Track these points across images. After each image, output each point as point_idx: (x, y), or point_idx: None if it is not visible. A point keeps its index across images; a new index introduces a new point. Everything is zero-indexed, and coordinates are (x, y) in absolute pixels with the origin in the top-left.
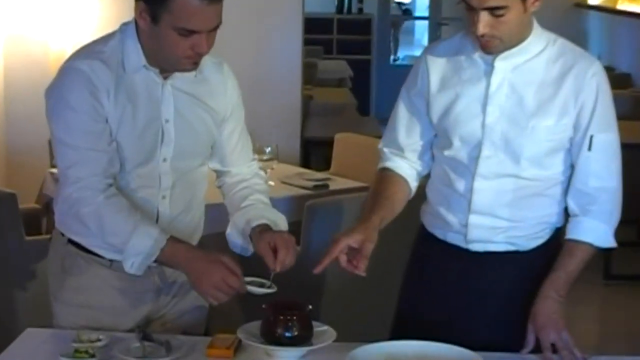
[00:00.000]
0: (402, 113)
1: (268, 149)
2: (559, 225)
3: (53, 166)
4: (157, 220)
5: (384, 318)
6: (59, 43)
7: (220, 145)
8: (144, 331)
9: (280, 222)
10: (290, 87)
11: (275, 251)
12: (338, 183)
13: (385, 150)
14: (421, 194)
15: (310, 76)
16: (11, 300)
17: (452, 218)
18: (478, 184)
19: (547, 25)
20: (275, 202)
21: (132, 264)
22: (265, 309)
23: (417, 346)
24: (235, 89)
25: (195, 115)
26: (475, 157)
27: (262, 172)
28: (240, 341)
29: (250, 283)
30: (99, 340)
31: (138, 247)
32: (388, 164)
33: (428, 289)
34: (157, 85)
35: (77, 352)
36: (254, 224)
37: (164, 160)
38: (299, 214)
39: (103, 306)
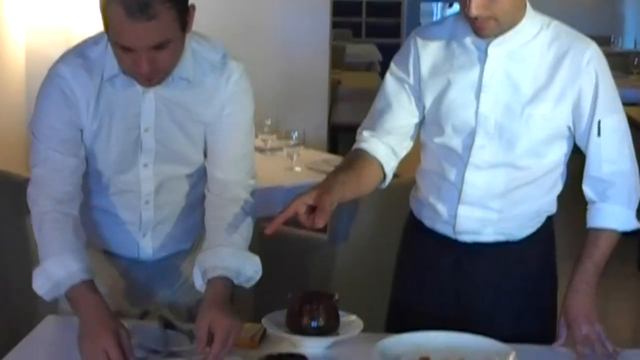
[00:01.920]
0: (386, 97)
1: (295, 135)
2: (550, 213)
3: None
4: (140, 224)
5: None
6: (81, 29)
7: (209, 153)
8: (166, 319)
9: (248, 267)
10: (317, 71)
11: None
12: None
13: (365, 133)
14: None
15: (338, 60)
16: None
17: (441, 207)
18: (470, 174)
19: (581, 11)
20: (302, 189)
21: (42, 286)
22: (290, 299)
23: (446, 337)
24: (239, 92)
25: (180, 125)
26: (468, 146)
27: (249, 192)
28: (265, 331)
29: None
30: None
31: (50, 272)
32: (363, 145)
33: (419, 280)
34: (137, 94)
35: None
36: (211, 275)
37: (145, 165)
38: None
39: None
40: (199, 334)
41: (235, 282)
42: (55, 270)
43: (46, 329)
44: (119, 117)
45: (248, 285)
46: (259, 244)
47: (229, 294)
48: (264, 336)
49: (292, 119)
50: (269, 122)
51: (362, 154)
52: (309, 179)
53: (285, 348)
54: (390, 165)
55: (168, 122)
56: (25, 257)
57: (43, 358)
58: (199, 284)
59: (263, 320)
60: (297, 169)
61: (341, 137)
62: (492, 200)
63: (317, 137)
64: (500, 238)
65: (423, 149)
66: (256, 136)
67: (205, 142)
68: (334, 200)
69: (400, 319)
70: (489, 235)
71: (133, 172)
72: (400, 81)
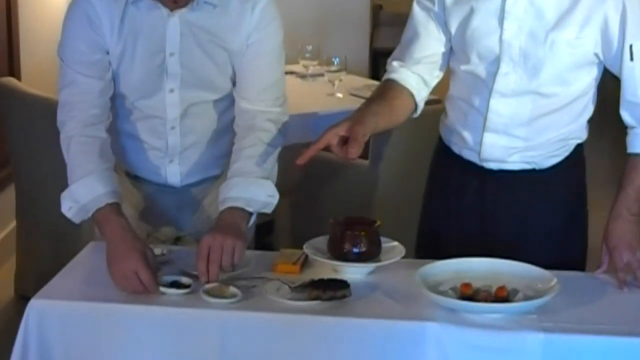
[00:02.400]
0: (413, 26)
1: (336, 60)
2: (580, 140)
3: None
4: (166, 151)
5: None
6: None
7: (237, 80)
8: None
9: (261, 194)
10: None
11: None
12: None
13: (394, 63)
14: None
15: None
16: None
17: (467, 134)
18: (495, 101)
19: None
20: (343, 115)
21: (70, 208)
22: (332, 224)
23: (487, 263)
24: (263, 23)
25: (205, 49)
26: (492, 74)
27: (273, 122)
28: (306, 257)
29: (173, 283)
30: (162, 254)
31: (77, 195)
32: (393, 76)
33: (445, 206)
34: (162, 17)
35: None
36: (222, 207)
37: (171, 91)
38: None
39: (128, 216)
40: (200, 253)
41: (250, 210)
42: (82, 193)
43: (89, 255)
44: (143, 40)
45: (266, 210)
46: (300, 170)
47: (239, 220)
48: (305, 262)
49: (334, 44)
50: (310, 48)
51: (393, 85)
52: (351, 104)
53: (326, 274)
54: (421, 95)
55: (193, 47)
56: (66, 184)
57: (86, 283)
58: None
59: (305, 246)
60: (339, 94)
61: (383, 63)
62: (518, 128)
63: (359, 63)
64: (526, 166)
65: (451, 76)
66: (297, 62)
67: (232, 70)
68: (367, 130)
69: (428, 245)
70: (514, 163)
71: (159, 97)
72: (427, 10)
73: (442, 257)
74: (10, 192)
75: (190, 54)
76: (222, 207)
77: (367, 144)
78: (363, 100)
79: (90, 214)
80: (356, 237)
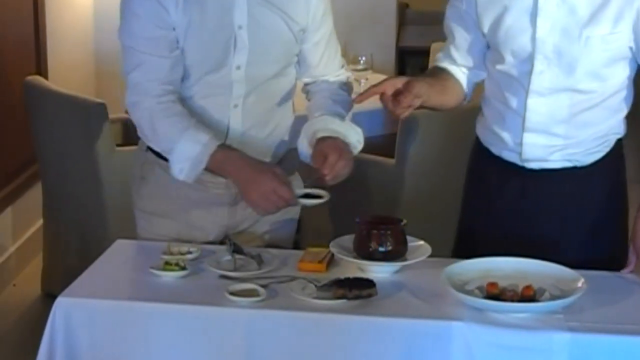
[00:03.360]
0: (448, 26)
1: (362, 59)
2: (619, 135)
3: None
4: (227, 132)
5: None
6: None
7: (304, 56)
8: (234, 244)
9: (352, 135)
10: None
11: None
12: None
13: (440, 54)
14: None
15: None
16: (102, 210)
17: (506, 136)
18: (532, 101)
19: None
20: (369, 114)
21: (181, 170)
22: (358, 223)
23: (515, 263)
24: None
25: (271, 22)
26: (527, 73)
27: (351, 80)
28: (332, 255)
29: (304, 196)
30: (189, 252)
31: (186, 152)
32: (441, 64)
33: (486, 206)
34: None
35: (167, 264)
36: (319, 135)
37: (238, 67)
38: (394, 126)
39: (178, 216)
40: (316, 159)
41: (346, 142)
42: (189, 148)
43: (115, 253)
44: (211, 13)
45: (353, 153)
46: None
47: (342, 144)
48: (331, 261)
49: (360, 43)
50: None
51: (443, 70)
52: (377, 103)
53: (352, 273)
54: (469, 88)
55: (261, 20)
56: (96, 182)
57: (112, 281)
58: (304, 152)
59: (331, 245)
60: None
61: (409, 61)
62: (557, 126)
63: (385, 62)
64: (568, 164)
65: (486, 76)
66: None
67: (298, 45)
68: (422, 91)
69: (467, 246)
70: (556, 161)
71: (225, 72)
72: (458, 9)
73: (482, 256)
74: (37, 190)
75: (259, 27)
76: (320, 135)
77: (392, 142)
78: None
79: (204, 164)
80: (382, 236)
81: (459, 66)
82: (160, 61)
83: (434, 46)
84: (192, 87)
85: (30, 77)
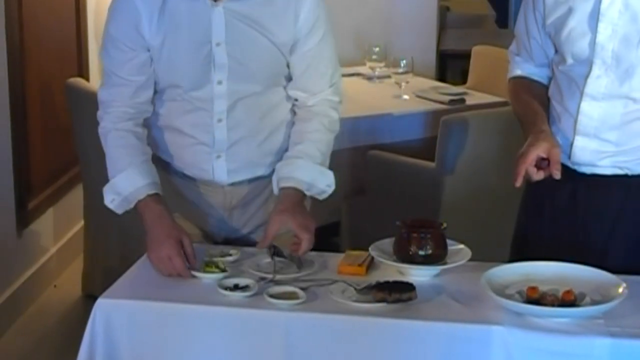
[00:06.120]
0: (519, 29)
1: (403, 62)
2: None
3: None
4: (213, 144)
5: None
6: None
7: (291, 66)
8: (275, 247)
9: (320, 180)
10: None
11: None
12: (474, 97)
13: (517, 58)
14: None
15: None
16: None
17: (560, 137)
18: (586, 104)
19: None
20: (409, 117)
21: (112, 200)
22: (399, 227)
23: (555, 267)
24: (311, 12)
25: (250, 38)
26: (584, 76)
27: (334, 108)
28: (372, 259)
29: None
30: (229, 255)
31: (120, 187)
32: (520, 72)
33: (537, 210)
34: (204, 8)
35: (208, 266)
36: (282, 185)
37: (219, 82)
38: (434, 129)
39: (177, 216)
40: (268, 232)
41: (307, 194)
42: (124, 186)
43: None
44: (186, 31)
45: (320, 197)
46: (367, 171)
47: (301, 200)
48: (371, 264)
49: (401, 46)
50: (377, 49)
51: (529, 81)
52: (417, 106)
53: (392, 276)
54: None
55: (240, 37)
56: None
57: (152, 283)
58: (275, 191)
59: (370, 248)
60: (405, 96)
61: (450, 64)
62: (608, 132)
63: (426, 65)
64: (619, 172)
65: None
66: (364, 63)
67: (284, 62)
68: (560, 149)
69: (522, 249)
70: (606, 167)
71: (207, 89)
72: (532, 12)
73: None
74: (79, 192)
75: (238, 44)
76: (283, 185)
77: (432, 145)
78: (430, 102)
79: (132, 205)
80: (422, 240)
81: (538, 67)
82: (126, 83)
83: (476, 50)
84: (176, 104)
85: (72, 79)
